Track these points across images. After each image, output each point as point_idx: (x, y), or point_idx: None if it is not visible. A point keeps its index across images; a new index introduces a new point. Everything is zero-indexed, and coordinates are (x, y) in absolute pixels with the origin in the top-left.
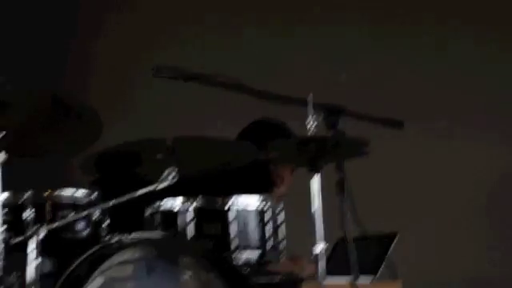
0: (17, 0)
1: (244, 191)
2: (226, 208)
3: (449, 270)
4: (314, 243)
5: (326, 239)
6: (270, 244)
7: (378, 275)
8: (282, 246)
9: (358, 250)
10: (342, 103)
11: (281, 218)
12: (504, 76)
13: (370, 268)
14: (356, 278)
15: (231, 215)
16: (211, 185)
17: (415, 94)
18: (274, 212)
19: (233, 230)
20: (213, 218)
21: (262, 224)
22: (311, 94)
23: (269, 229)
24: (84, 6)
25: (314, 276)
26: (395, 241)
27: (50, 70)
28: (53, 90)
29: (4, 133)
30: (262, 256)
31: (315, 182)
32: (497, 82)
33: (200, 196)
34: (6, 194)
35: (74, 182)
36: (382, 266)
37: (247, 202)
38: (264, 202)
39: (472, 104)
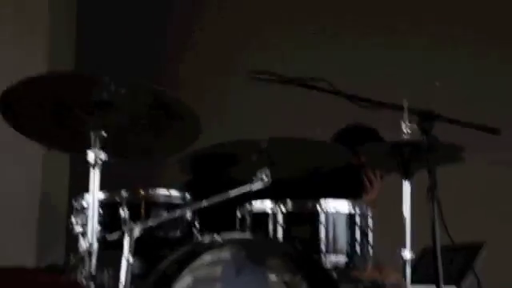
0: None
1: (334, 195)
2: (316, 211)
3: None
4: (401, 250)
5: (414, 245)
6: (357, 249)
7: (462, 286)
8: (369, 252)
9: (444, 259)
10: (435, 109)
11: (370, 224)
12: None
13: (455, 278)
14: None
15: (321, 219)
16: (301, 187)
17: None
18: (363, 217)
19: (322, 233)
20: (302, 221)
21: (352, 229)
22: (406, 100)
23: (358, 234)
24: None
25: (398, 285)
26: (482, 251)
27: (147, 71)
28: (155, 90)
29: (105, 133)
30: (349, 261)
31: (406, 188)
32: None
33: (290, 199)
34: (102, 193)
35: (167, 182)
36: (467, 277)
37: (337, 206)
38: (354, 207)
39: None
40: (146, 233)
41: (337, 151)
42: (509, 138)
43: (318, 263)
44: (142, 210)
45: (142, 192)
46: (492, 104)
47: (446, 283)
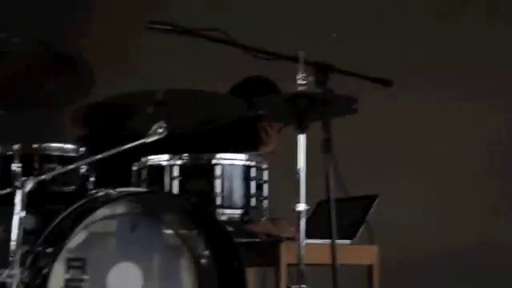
0: None
1: (231, 149)
2: (212, 164)
3: (429, 239)
4: (295, 203)
5: (309, 200)
6: (253, 202)
7: (356, 238)
8: (264, 205)
9: (338, 212)
10: (331, 61)
11: (265, 176)
12: (493, 43)
13: (349, 231)
14: (334, 241)
15: (217, 172)
16: (199, 141)
17: (405, 54)
18: (259, 170)
19: (217, 186)
20: (198, 175)
21: (247, 182)
22: (302, 51)
23: (253, 187)
24: None
25: (293, 238)
26: (375, 204)
27: (47, 21)
28: (45, 39)
29: None
30: (244, 214)
31: (301, 141)
32: (489, 45)
33: (186, 153)
34: None
35: (63, 137)
36: (361, 229)
37: (233, 159)
38: (250, 160)
39: (462, 65)
40: (40, 187)
41: (233, 103)
42: (402, 88)
43: (213, 218)
44: (35, 164)
45: (35, 145)
46: (387, 56)
47: (340, 237)
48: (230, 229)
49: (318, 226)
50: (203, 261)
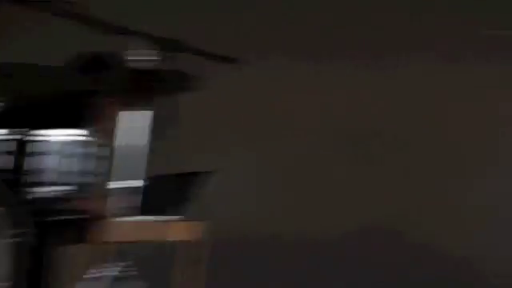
0: None
1: (63, 124)
2: (34, 140)
3: (263, 216)
4: (125, 180)
5: (143, 175)
6: (82, 179)
7: (184, 214)
8: (94, 182)
9: (169, 188)
10: (178, 38)
11: (97, 152)
12: None
13: (179, 207)
14: (161, 217)
15: (33, 148)
16: (26, 116)
17: (252, 30)
18: (89, 146)
19: (46, 163)
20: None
21: (77, 157)
22: (147, 27)
23: (83, 163)
24: None
25: (120, 214)
26: (207, 179)
27: None
28: None
29: None
30: (68, 192)
31: (145, 117)
32: None
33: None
34: None
35: None
36: (191, 205)
37: (60, 135)
38: (80, 135)
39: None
40: None
41: (67, 76)
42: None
43: (21, 196)
44: None
45: None
46: (237, 32)
47: (170, 213)
48: (53, 207)
49: (149, 202)
50: (17, 239)
